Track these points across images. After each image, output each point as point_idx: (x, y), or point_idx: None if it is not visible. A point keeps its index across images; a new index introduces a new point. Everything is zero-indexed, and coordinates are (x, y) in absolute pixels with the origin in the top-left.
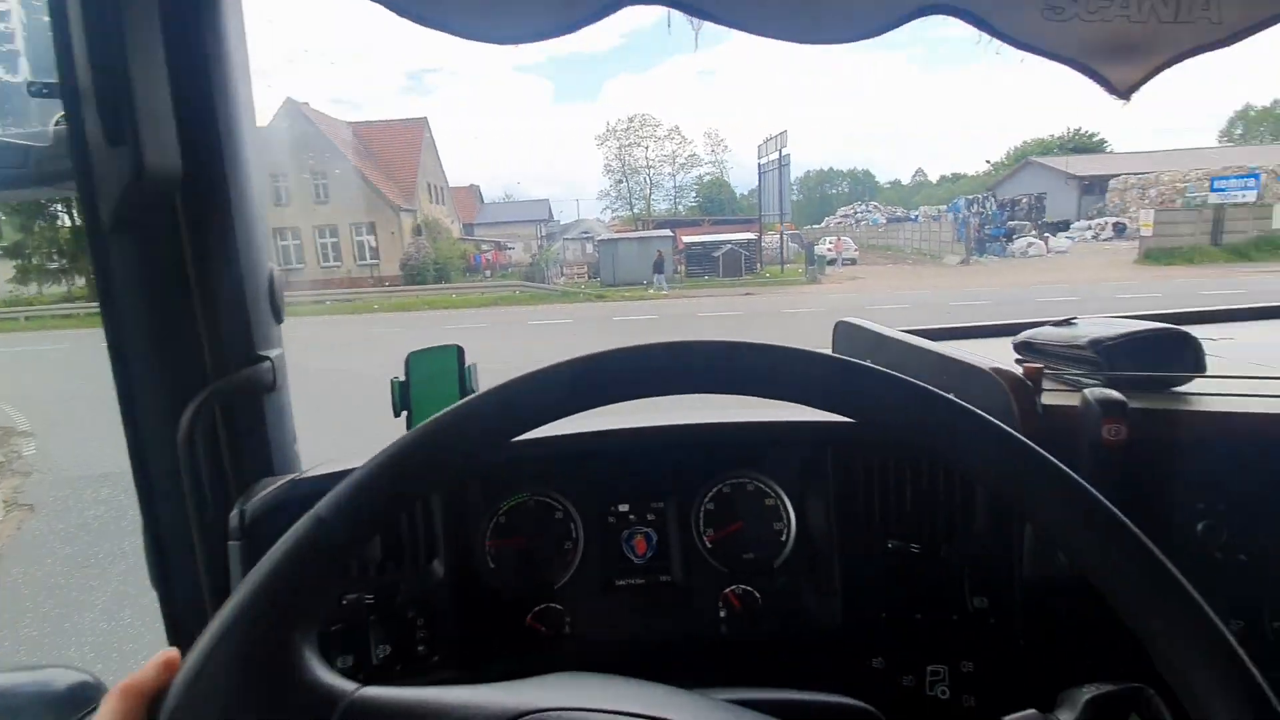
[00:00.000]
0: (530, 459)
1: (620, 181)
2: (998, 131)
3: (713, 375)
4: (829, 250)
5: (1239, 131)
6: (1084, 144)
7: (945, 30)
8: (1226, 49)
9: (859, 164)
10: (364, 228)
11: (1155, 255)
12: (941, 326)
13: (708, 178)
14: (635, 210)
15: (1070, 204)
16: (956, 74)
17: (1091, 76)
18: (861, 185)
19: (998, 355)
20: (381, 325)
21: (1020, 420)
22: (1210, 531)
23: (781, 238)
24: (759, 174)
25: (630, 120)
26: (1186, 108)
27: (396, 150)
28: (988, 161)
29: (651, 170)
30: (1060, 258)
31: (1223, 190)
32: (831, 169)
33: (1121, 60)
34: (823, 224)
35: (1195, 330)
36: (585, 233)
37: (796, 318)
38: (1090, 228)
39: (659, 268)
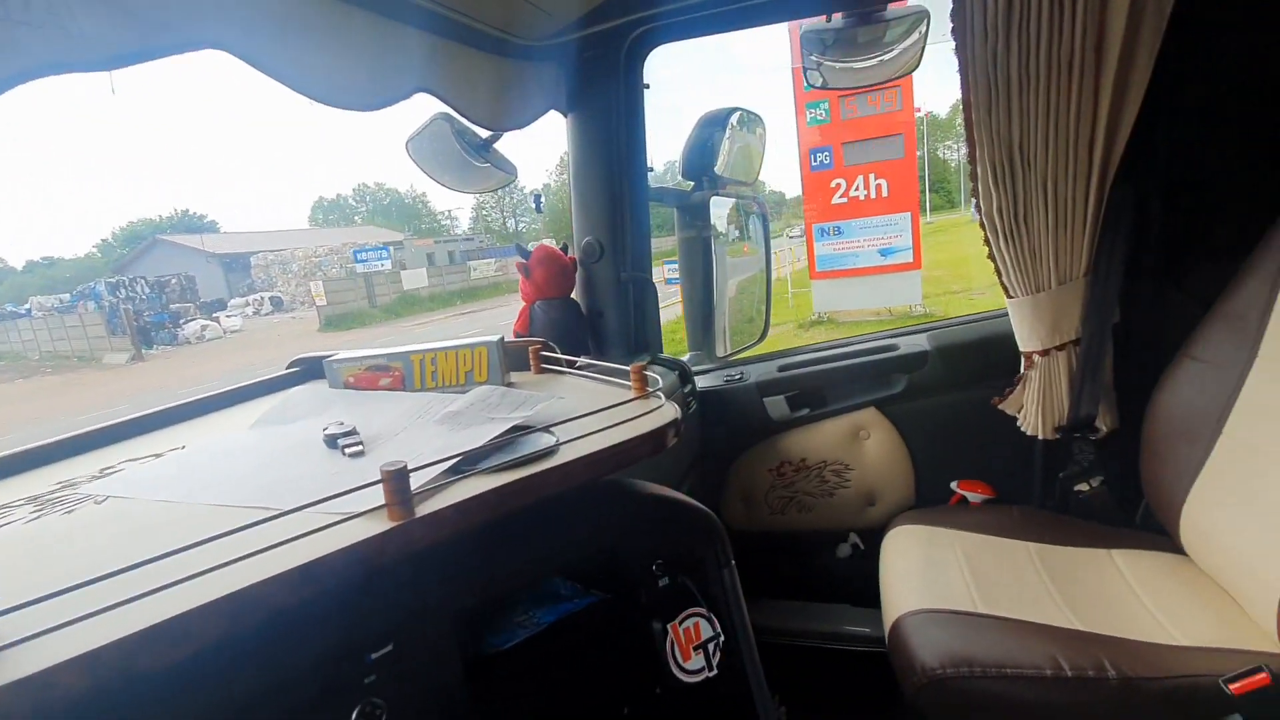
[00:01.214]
0: None
1: None
2: (97, 210)
3: None
4: None
5: (321, 216)
6: (196, 224)
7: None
8: None
9: None
10: None
11: (334, 321)
12: None
13: None
14: None
15: (219, 282)
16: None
17: None
18: None
19: None
20: None
21: None
22: None
23: None
24: None
25: None
26: (279, 195)
27: None
28: (101, 240)
29: None
30: (241, 336)
31: (364, 261)
32: None
33: None
34: None
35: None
36: None
37: None
38: (249, 303)
39: None
